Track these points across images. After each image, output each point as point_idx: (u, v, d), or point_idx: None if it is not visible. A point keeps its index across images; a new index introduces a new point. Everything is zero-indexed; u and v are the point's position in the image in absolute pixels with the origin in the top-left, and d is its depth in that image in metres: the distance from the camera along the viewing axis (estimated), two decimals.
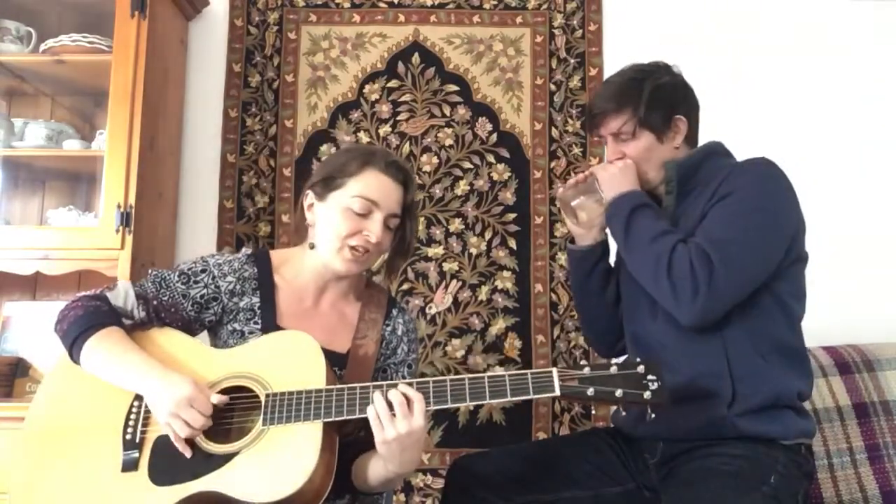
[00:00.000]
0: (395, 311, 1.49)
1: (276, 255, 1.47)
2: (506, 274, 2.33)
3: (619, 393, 1.17)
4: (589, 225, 1.59)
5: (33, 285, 2.27)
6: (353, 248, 1.36)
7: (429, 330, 2.29)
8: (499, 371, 2.26)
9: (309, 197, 1.43)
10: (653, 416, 1.21)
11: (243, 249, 1.47)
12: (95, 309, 1.29)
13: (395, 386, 1.21)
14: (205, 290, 1.38)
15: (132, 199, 1.99)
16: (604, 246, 1.62)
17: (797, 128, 2.36)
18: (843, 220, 2.31)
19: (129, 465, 1.22)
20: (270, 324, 1.37)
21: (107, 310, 1.30)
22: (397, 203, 1.40)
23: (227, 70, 2.40)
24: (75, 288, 2.28)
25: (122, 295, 1.33)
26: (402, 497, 2.19)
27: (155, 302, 1.34)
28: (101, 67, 2.11)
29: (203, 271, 1.39)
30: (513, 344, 2.29)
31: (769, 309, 1.38)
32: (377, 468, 1.26)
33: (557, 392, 1.18)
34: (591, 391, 1.17)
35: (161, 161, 2.19)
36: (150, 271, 1.41)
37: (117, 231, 1.97)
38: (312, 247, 1.42)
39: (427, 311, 2.30)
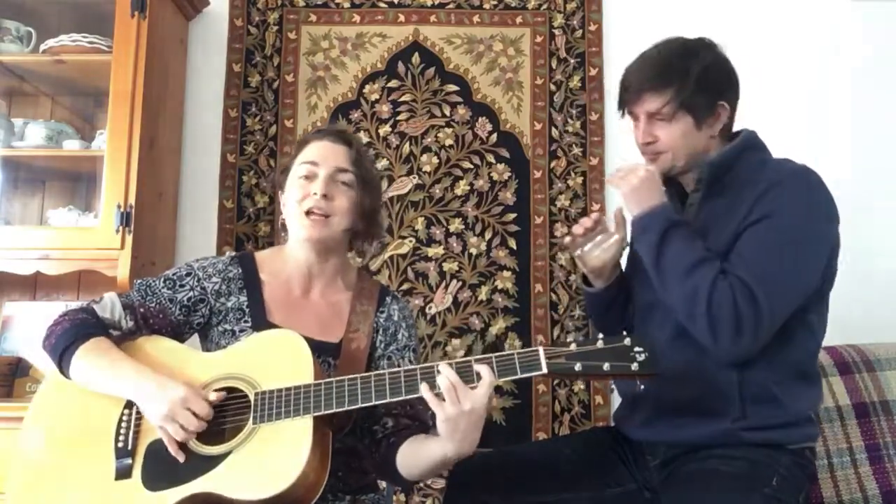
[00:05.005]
0: (388, 299, 1.50)
1: (260, 255, 1.51)
2: (506, 274, 2.32)
3: (606, 367, 1.14)
4: (601, 271, 1.50)
5: (33, 285, 2.27)
6: (307, 212, 1.39)
7: (429, 330, 2.29)
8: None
9: (281, 195, 1.49)
10: (642, 387, 1.19)
11: (227, 253, 1.49)
12: (82, 321, 1.30)
13: (432, 368, 1.18)
14: (191, 293, 1.39)
15: (132, 199, 1.99)
16: (620, 282, 1.54)
17: (797, 127, 2.35)
18: (843, 220, 2.30)
19: (123, 473, 1.22)
20: (261, 320, 1.38)
21: (94, 321, 1.31)
22: (341, 158, 1.43)
23: (227, 70, 2.40)
24: (75, 288, 2.28)
25: (109, 306, 1.34)
26: (402, 497, 2.19)
27: (142, 309, 1.35)
28: (101, 67, 2.11)
29: (188, 275, 1.41)
30: (513, 344, 2.28)
31: (796, 335, 1.34)
32: (434, 450, 1.22)
33: (545, 370, 1.16)
34: (578, 366, 1.15)
35: (161, 161, 2.19)
36: (135, 281, 1.42)
37: (117, 231, 1.97)
38: (286, 231, 1.47)
39: (427, 311, 2.30)
